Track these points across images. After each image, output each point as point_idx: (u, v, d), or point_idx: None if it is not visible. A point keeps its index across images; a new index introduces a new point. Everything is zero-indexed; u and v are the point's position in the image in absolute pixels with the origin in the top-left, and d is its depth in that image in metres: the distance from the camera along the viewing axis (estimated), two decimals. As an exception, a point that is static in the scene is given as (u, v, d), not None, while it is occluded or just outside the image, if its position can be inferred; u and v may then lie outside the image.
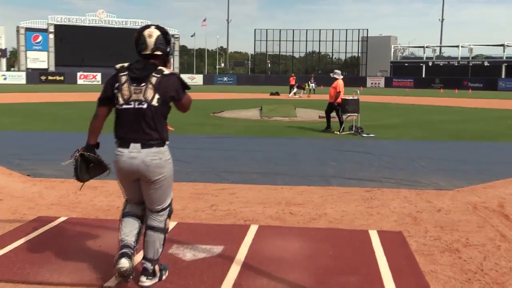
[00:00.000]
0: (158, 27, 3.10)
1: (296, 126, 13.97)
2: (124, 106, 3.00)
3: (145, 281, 3.17)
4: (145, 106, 2.98)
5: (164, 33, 3.11)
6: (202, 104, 22.67)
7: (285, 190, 5.98)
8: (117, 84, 3.02)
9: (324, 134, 12.05)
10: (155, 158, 3.02)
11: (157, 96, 2.99)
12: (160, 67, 3.06)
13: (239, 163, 7.85)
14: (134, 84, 3.00)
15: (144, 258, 3.21)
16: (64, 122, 14.19)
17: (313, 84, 38.21)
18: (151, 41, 3.04)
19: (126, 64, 3.07)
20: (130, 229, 3.16)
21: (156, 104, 3.00)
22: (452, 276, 3.44)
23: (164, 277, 3.29)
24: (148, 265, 3.18)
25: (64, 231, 4.29)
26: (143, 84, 2.99)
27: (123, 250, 3.07)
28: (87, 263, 3.53)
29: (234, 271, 3.43)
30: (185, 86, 3.15)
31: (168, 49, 3.14)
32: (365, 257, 3.74)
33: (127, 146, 3.01)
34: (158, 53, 3.08)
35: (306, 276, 3.38)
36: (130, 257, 3.06)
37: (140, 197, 3.20)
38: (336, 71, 12.84)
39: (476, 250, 3.95)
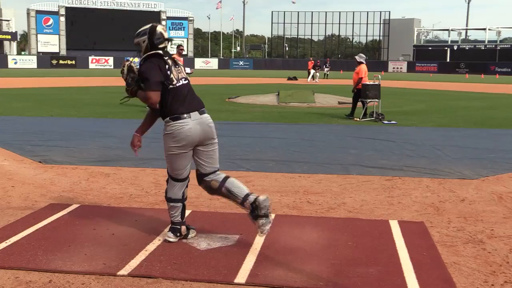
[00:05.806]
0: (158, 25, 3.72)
1: (314, 112, 13.79)
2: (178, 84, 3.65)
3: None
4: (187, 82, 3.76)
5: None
6: (216, 89, 22.61)
7: (302, 179, 5.87)
8: (167, 66, 3.61)
9: (343, 120, 11.86)
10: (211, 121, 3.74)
11: None
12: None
13: (255, 150, 7.75)
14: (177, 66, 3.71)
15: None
16: (76, 107, 14.01)
17: (327, 69, 38.02)
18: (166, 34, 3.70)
19: (161, 52, 3.61)
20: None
21: None
22: (475, 268, 3.32)
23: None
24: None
25: (76, 218, 4.26)
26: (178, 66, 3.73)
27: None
28: (100, 251, 3.50)
29: (250, 260, 3.37)
30: None
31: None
32: (385, 247, 3.64)
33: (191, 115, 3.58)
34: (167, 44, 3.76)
35: (324, 266, 3.30)
36: None
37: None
38: (361, 54, 12.52)
39: (501, 242, 3.81)
